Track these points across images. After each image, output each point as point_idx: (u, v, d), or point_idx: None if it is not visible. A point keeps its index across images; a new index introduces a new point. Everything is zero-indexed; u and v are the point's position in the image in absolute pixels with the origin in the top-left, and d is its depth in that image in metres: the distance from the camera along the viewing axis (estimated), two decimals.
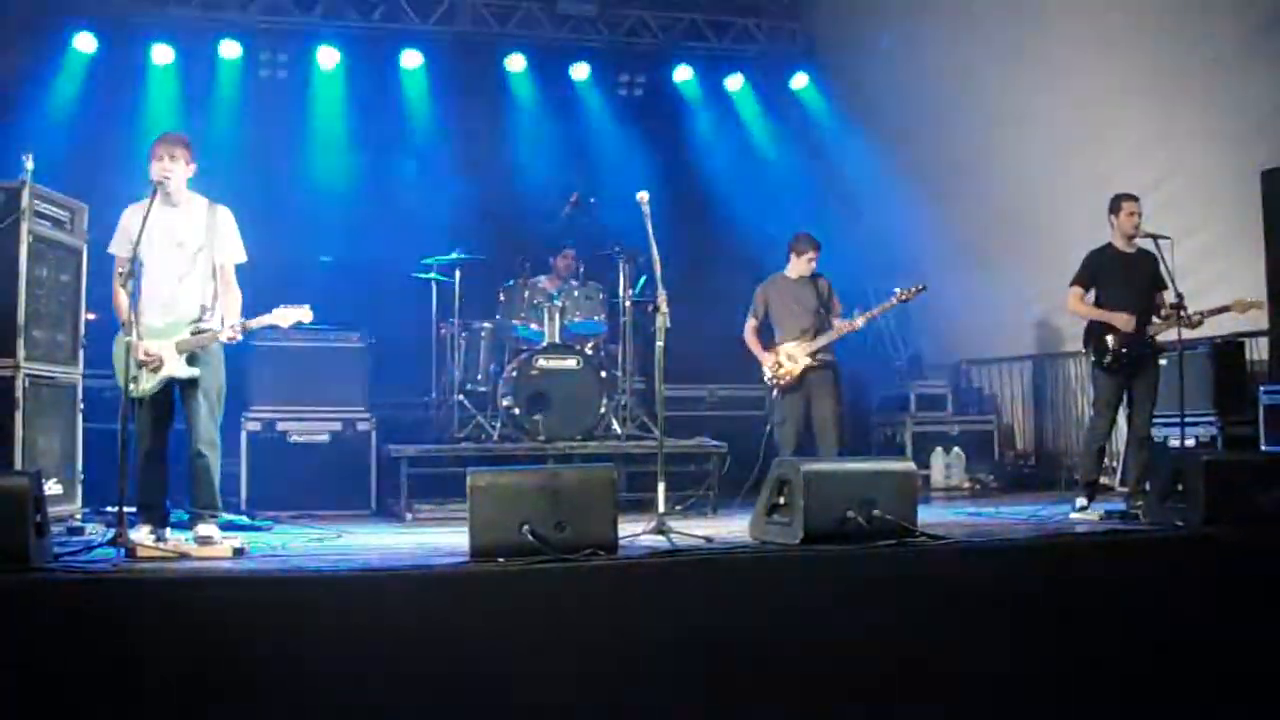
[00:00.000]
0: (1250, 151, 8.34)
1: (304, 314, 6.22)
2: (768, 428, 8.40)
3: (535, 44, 11.67)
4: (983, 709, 5.03)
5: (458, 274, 9.20)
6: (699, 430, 9.48)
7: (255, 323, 6.19)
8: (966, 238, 11.09)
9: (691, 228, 11.25)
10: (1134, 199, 7.61)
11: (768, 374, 8.26)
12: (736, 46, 12.21)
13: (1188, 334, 7.44)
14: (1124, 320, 7.41)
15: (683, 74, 12.15)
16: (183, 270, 6.15)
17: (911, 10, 10.57)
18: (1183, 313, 7.26)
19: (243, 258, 6.34)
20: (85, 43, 10.35)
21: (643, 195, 6.70)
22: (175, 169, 6.06)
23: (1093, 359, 7.65)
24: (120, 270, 5.86)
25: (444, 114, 11.36)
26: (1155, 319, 7.54)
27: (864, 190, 12.03)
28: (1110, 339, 7.46)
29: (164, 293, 6.09)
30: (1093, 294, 7.70)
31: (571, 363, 8.69)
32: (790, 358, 8.16)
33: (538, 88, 11.77)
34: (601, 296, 9.25)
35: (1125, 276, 7.60)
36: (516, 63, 11.60)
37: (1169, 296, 7.46)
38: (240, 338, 6.19)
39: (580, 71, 11.85)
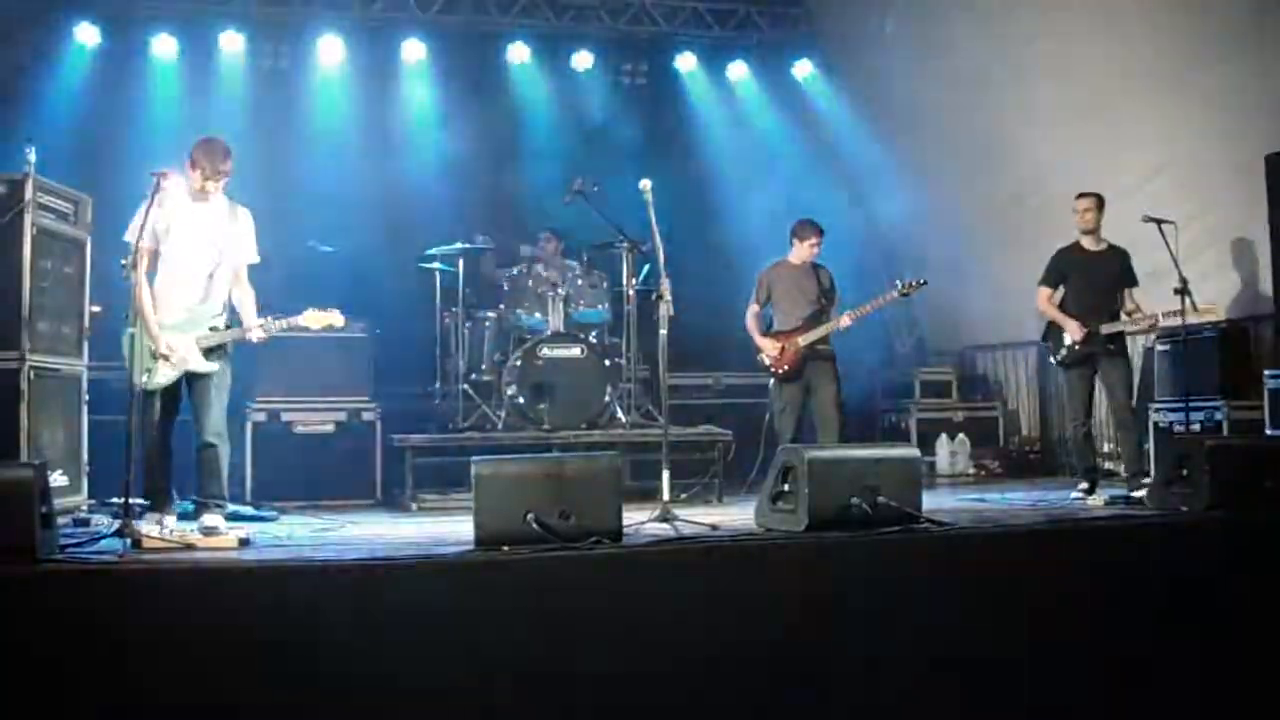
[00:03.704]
0: (1256, 136, 8.30)
1: (335, 318, 6.39)
2: (768, 416, 8.41)
3: (537, 33, 11.65)
4: (988, 695, 5.03)
5: (461, 263, 9.20)
6: (703, 418, 9.48)
7: (285, 323, 6.30)
8: (971, 224, 11.08)
9: (695, 216, 11.24)
10: (1087, 196, 7.87)
11: (766, 360, 8.26)
12: (739, 34, 12.16)
13: (1191, 319, 7.46)
14: (1074, 329, 7.67)
15: (685, 62, 12.12)
16: (209, 267, 6.24)
17: None
18: (1188, 298, 7.29)
19: (256, 259, 6.45)
20: (87, 34, 10.33)
21: (645, 183, 6.71)
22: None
23: (1051, 355, 7.99)
24: (124, 262, 5.86)
25: (446, 104, 11.33)
26: (1124, 315, 7.71)
27: (867, 177, 12.01)
28: (1065, 336, 7.75)
29: (190, 288, 6.19)
30: (1061, 290, 7.97)
31: (576, 351, 8.69)
32: (788, 345, 8.16)
33: (540, 77, 11.74)
34: (605, 285, 9.25)
35: (1088, 275, 7.86)
36: (519, 52, 11.57)
37: (1138, 294, 7.76)
38: (268, 337, 6.31)
39: (583, 60, 11.82)
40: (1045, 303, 7.98)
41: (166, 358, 6.05)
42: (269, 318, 6.28)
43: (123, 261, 5.83)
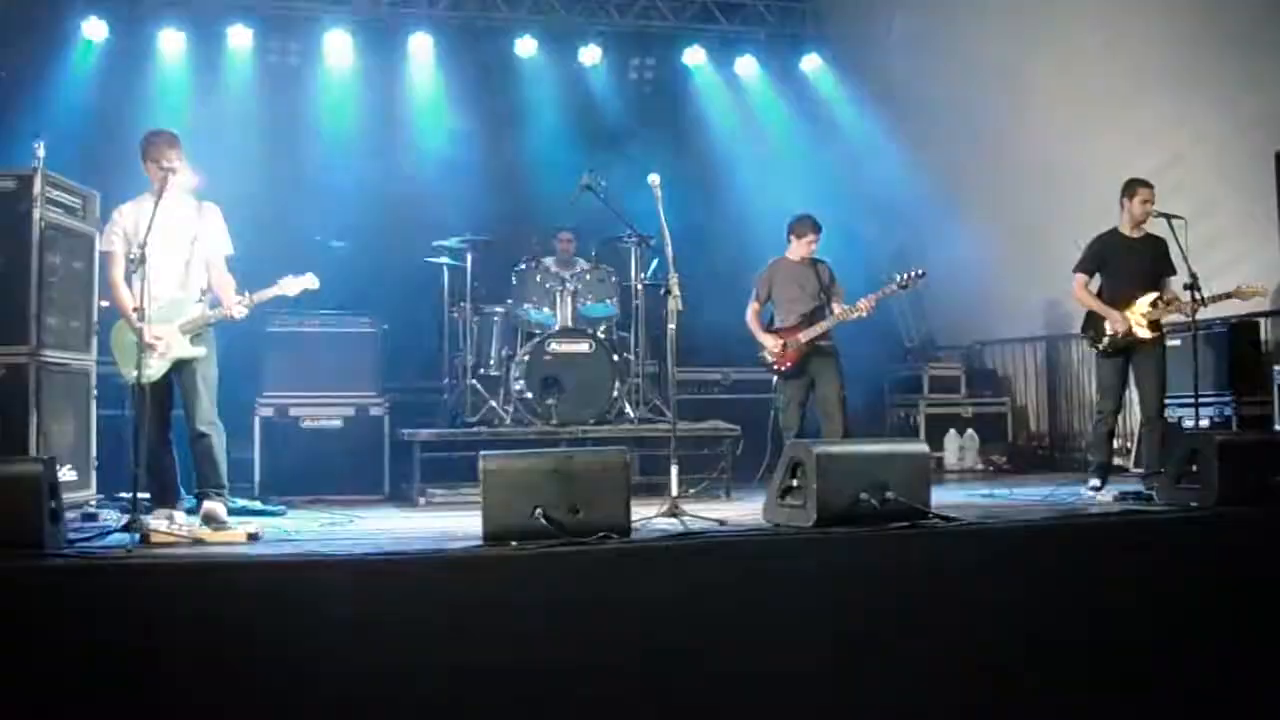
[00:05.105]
0: (1265, 132, 8.28)
1: (309, 281, 6.51)
2: (773, 411, 8.39)
3: (546, 27, 11.63)
4: (994, 690, 5.02)
5: (469, 258, 9.20)
6: (712, 413, 9.46)
7: (263, 295, 6.41)
8: (980, 219, 11.04)
9: (704, 210, 11.22)
10: (1149, 186, 7.58)
11: (768, 357, 8.24)
12: (747, 28, 12.17)
13: (1200, 314, 7.42)
14: (1117, 319, 7.48)
15: (693, 56, 12.11)
16: (183, 257, 6.38)
17: None
18: (1196, 294, 7.22)
19: (231, 250, 6.58)
20: (95, 29, 10.35)
21: (654, 178, 6.70)
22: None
23: (1091, 345, 7.75)
24: (132, 258, 5.94)
25: (454, 98, 11.33)
26: (1162, 304, 7.53)
27: (875, 172, 11.97)
28: (1106, 325, 7.55)
29: (167, 279, 6.28)
30: (1097, 279, 7.74)
31: (584, 346, 8.67)
32: (790, 341, 8.14)
33: (548, 71, 11.74)
34: (613, 280, 9.24)
35: (1129, 263, 7.64)
36: (527, 46, 11.57)
37: (1176, 283, 7.48)
38: (248, 310, 6.41)
39: (591, 55, 11.82)
40: (1083, 290, 7.74)
41: (153, 346, 6.11)
42: (247, 293, 6.40)
43: (129, 259, 5.91)
